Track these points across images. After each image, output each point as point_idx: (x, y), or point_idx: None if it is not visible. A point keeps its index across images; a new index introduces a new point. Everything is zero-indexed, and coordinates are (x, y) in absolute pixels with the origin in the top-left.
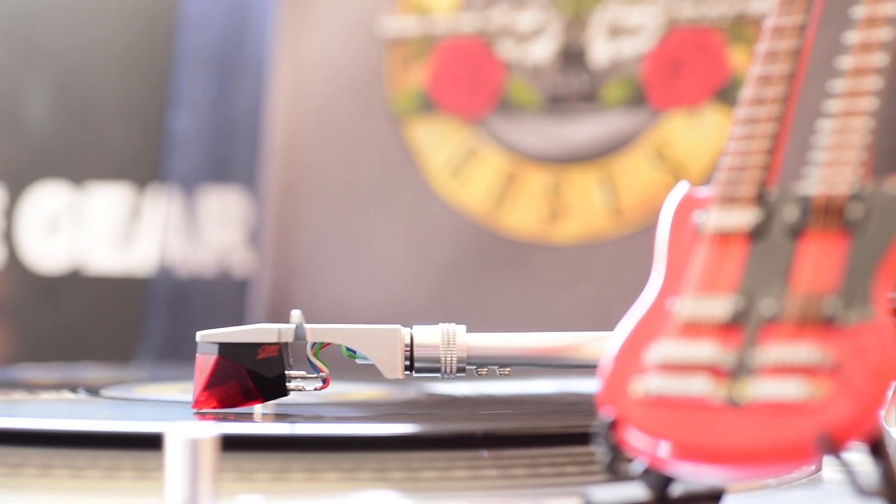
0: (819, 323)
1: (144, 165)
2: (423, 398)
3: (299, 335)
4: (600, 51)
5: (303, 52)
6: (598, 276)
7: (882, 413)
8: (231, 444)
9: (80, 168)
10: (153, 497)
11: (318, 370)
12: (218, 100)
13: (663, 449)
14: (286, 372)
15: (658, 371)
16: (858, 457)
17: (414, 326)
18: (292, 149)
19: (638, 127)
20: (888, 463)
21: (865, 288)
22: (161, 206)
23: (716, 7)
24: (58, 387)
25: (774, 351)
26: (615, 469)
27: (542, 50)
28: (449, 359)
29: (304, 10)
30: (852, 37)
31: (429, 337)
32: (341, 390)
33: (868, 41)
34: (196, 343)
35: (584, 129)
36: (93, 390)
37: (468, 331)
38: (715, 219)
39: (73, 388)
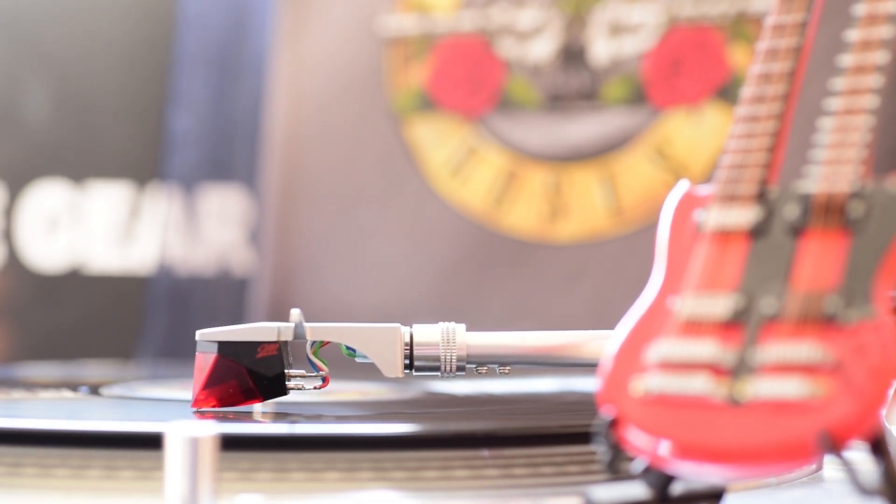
0: (820, 321)
1: (144, 164)
2: (423, 397)
3: (299, 334)
4: (600, 49)
5: (303, 52)
6: (598, 275)
7: (883, 412)
8: (231, 443)
9: (79, 167)
10: (153, 496)
11: (317, 369)
12: (218, 99)
13: (664, 448)
14: (286, 371)
15: (658, 370)
16: (859, 456)
17: (414, 325)
18: (292, 148)
19: (638, 125)
20: (889, 462)
21: (866, 286)
22: (161, 205)
23: (716, 5)
24: (57, 385)
25: (775, 349)
26: (616, 468)
27: (543, 48)
28: (448, 357)
29: (304, 9)
30: (853, 34)
31: (428, 336)
32: (341, 389)
33: (869, 39)
34: (195, 342)
35: (584, 128)
36: (92, 389)
37: (468, 329)
38: (715, 217)
39: (72, 387)
